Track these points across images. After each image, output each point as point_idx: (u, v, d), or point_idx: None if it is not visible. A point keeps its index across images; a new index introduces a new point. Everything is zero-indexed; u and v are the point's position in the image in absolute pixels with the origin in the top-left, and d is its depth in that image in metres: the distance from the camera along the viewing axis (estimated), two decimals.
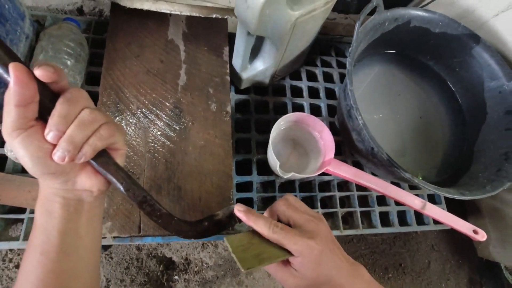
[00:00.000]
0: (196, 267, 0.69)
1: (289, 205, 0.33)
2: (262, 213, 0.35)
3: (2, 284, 0.60)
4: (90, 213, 0.29)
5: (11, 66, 0.21)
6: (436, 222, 0.60)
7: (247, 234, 0.32)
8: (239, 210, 0.34)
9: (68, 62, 0.48)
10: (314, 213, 0.34)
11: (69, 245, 0.27)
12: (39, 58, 0.47)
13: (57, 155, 0.24)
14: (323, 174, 0.51)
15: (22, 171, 0.49)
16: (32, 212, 0.47)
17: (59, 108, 0.24)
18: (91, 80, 0.55)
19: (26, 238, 0.46)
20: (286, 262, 0.31)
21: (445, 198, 0.65)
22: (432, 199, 0.66)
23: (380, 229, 0.59)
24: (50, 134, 0.23)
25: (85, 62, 0.53)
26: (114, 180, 0.29)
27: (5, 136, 0.23)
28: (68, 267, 0.28)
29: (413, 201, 0.48)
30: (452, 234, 0.60)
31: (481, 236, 0.44)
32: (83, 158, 0.25)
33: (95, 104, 0.49)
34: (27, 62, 0.49)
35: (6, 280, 0.61)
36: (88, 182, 0.28)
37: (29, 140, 0.23)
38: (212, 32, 0.58)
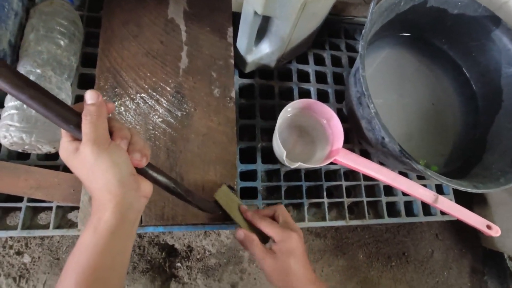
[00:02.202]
0: (199, 254, 0.68)
1: (285, 211, 0.43)
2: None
3: (3, 270, 0.60)
4: (137, 225, 0.32)
5: (93, 91, 0.28)
6: (443, 212, 0.59)
7: (236, 202, 0.43)
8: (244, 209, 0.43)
9: (62, 42, 0.45)
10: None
11: (121, 263, 0.30)
12: (29, 37, 0.44)
13: (135, 156, 0.30)
14: (330, 163, 0.49)
15: (18, 157, 0.47)
16: (30, 200, 0.45)
17: (120, 125, 0.30)
18: (88, 62, 0.52)
19: (24, 226, 0.45)
20: (271, 250, 0.39)
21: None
22: (440, 188, 0.64)
23: (387, 220, 0.57)
24: (124, 141, 0.30)
25: (80, 42, 0.50)
26: (165, 179, 0.34)
27: (99, 145, 0.27)
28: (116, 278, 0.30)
29: (425, 194, 0.46)
30: (457, 223, 0.59)
31: (495, 231, 0.43)
32: (147, 158, 0.31)
33: (92, 88, 0.47)
34: (18, 41, 0.46)
35: (7, 266, 0.60)
36: (146, 186, 0.32)
37: (117, 147, 0.29)
38: (215, 11, 0.55)
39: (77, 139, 0.28)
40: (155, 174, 0.33)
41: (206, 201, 0.42)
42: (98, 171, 0.27)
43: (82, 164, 0.28)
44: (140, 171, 0.32)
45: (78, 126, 0.27)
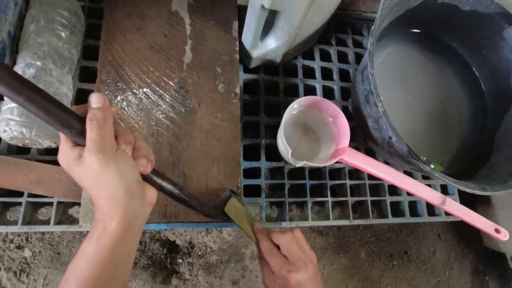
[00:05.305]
0: (200, 251, 0.68)
1: (294, 238, 0.37)
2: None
3: (3, 264, 0.60)
4: (141, 232, 0.31)
5: (99, 94, 0.27)
6: (447, 213, 0.59)
7: (246, 215, 0.42)
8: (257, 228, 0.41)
9: (63, 34, 0.44)
10: (310, 252, 0.37)
11: (124, 270, 0.29)
12: (30, 28, 0.42)
13: (141, 162, 0.29)
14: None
15: (18, 152, 0.46)
16: (30, 195, 0.45)
17: (124, 129, 0.29)
18: (89, 55, 0.51)
19: (24, 222, 0.44)
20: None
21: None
22: (445, 188, 0.64)
23: (391, 219, 0.57)
24: (129, 146, 0.29)
25: (82, 34, 0.49)
26: (170, 186, 0.33)
27: (106, 153, 0.26)
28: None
29: (432, 196, 0.45)
30: (460, 223, 0.58)
31: (503, 235, 0.42)
32: (152, 164, 0.30)
33: (94, 82, 0.46)
34: (18, 32, 0.45)
35: (8, 260, 0.60)
36: (151, 193, 0.30)
37: (123, 153, 0.28)
38: (220, 4, 0.53)
39: (79, 144, 0.27)
40: (159, 181, 0.32)
41: (211, 207, 0.41)
42: (104, 180, 0.26)
43: (86, 172, 0.26)
44: (145, 178, 0.30)
45: (81, 131, 0.26)
